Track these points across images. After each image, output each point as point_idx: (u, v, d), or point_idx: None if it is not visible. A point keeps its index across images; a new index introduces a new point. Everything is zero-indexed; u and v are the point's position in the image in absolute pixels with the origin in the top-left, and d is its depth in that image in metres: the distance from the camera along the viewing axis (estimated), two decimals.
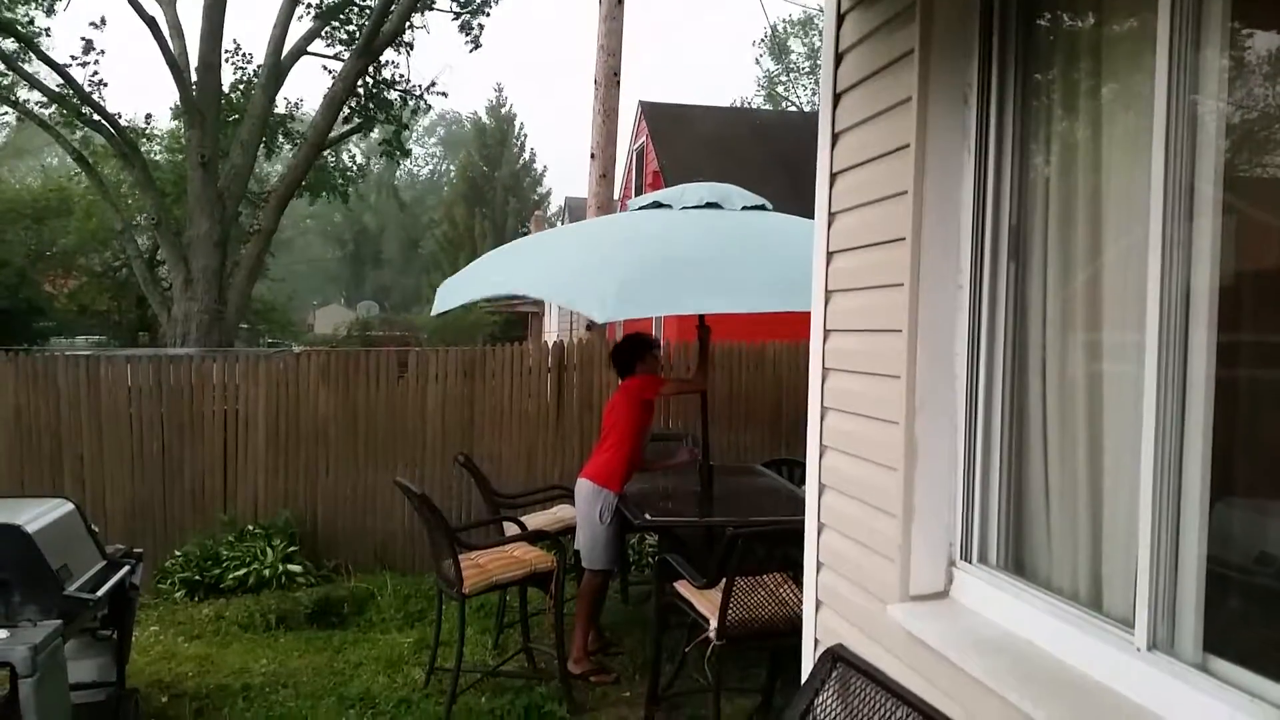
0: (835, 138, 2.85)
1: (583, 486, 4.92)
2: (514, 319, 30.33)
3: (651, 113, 20.78)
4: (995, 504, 2.28)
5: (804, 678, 2.81)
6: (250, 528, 6.57)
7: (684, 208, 5.11)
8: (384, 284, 57.53)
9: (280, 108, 17.29)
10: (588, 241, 5.35)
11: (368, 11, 15.69)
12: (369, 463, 6.90)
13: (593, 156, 8.74)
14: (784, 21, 41.86)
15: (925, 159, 2.33)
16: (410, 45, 16.63)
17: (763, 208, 5.25)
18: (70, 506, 3.94)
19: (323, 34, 15.96)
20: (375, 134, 17.60)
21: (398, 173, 52.67)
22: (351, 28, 16.18)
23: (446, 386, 7.00)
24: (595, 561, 4.86)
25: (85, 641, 4.07)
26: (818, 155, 2.93)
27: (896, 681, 2.28)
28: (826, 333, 2.90)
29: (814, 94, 38.97)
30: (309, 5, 15.26)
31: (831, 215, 2.86)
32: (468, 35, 17.09)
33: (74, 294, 24.18)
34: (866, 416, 2.62)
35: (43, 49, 14.30)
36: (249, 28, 16.48)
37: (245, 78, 16.23)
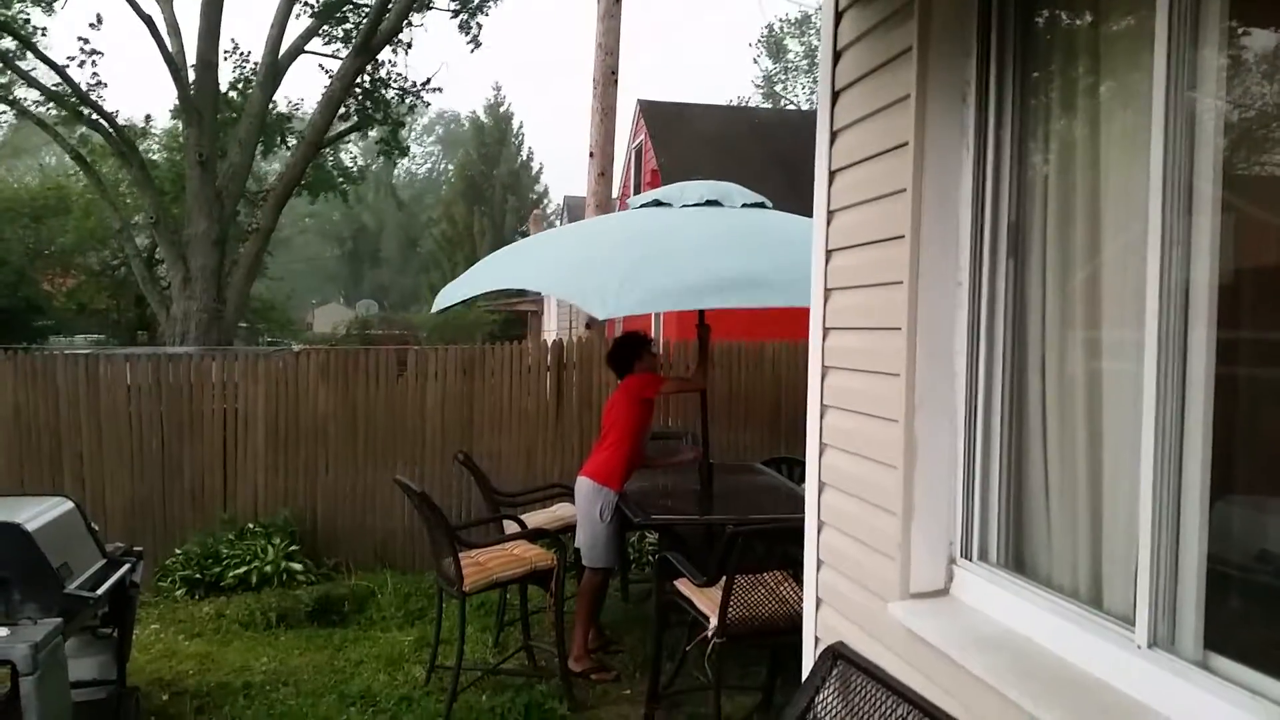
0: (834, 135, 2.85)
1: (583, 485, 4.93)
2: (513, 318, 30.33)
3: (650, 111, 20.75)
4: (995, 501, 2.28)
5: (804, 675, 2.81)
6: (250, 526, 6.57)
7: (684, 206, 5.12)
8: (382, 283, 57.51)
9: (282, 106, 17.32)
10: (589, 239, 5.36)
11: (365, 10, 15.67)
12: (369, 461, 6.91)
13: (591, 155, 8.75)
14: (781, 20, 41.88)
15: (924, 156, 2.33)
16: (409, 45, 16.62)
17: (762, 205, 5.25)
18: (70, 505, 3.94)
19: (320, 32, 15.94)
20: (374, 133, 17.58)
21: (396, 172, 52.66)
22: (349, 26, 16.16)
23: (446, 385, 7.01)
24: (596, 560, 4.87)
25: (86, 639, 4.07)
26: (816, 153, 2.93)
27: (897, 679, 2.28)
28: (826, 331, 2.90)
29: (812, 92, 38.96)
30: (306, 3, 15.25)
31: (830, 213, 2.87)
32: (467, 34, 17.08)
33: (72, 293, 24.17)
34: (866, 414, 2.62)
35: (40, 48, 14.29)
36: (247, 26, 16.50)
37: (243, 76, 16.21)
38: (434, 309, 5.34)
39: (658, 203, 5.23)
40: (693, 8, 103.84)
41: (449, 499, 6.72)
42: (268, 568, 6.22)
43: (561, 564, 4.65)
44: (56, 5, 14.69)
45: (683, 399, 6.85)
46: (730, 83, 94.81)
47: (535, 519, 5.51)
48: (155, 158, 19.02)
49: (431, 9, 16.57)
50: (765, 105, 39.41)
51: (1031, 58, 2.24)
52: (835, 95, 2.84)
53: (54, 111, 15.02)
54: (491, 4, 17.14)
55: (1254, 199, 1.80)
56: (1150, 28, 1.72)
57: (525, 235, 34.71)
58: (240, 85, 16.16)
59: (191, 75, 13.82)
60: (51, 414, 6.57)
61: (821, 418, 2.93)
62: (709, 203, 5.11)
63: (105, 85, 14.59)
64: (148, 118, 17.70)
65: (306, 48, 15.53)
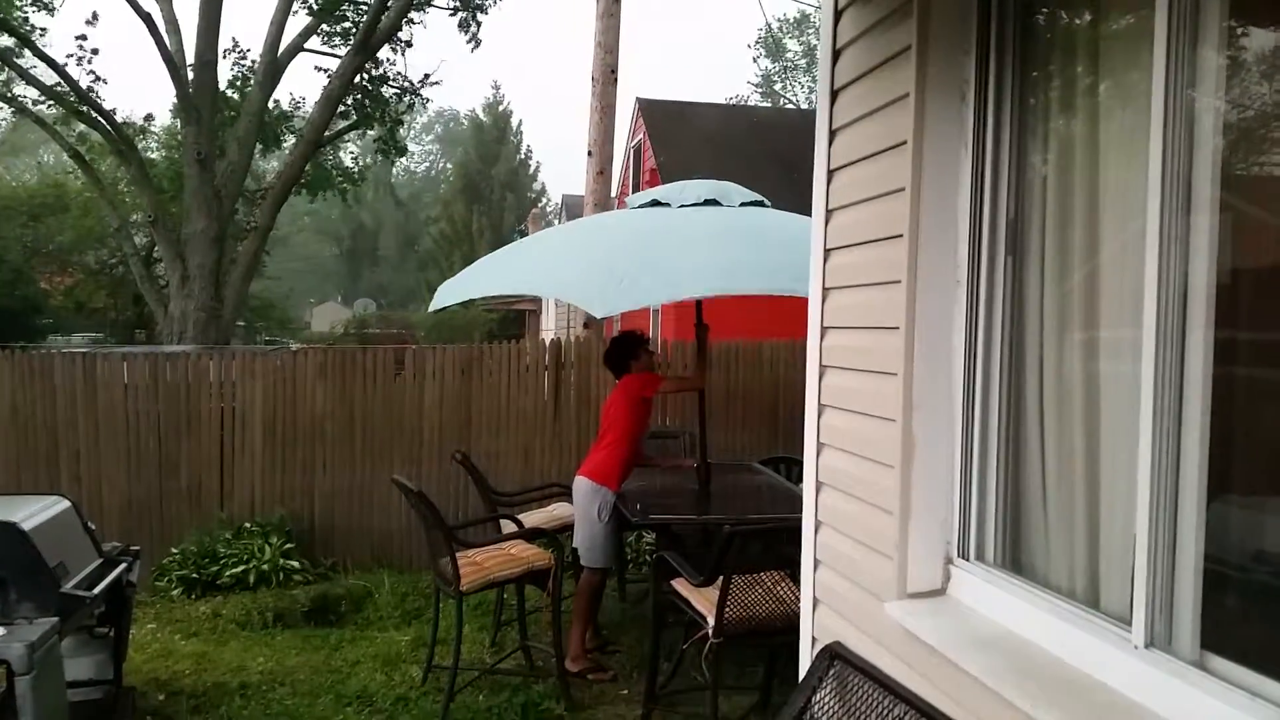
0: (833, 134, 2.84)
1: (580, 485, 4.92)
2: (511, 317, 30.34)
3: (649, 110, 20.76)
4: (993, 501, 2.28)
5: (801, 675, 2.81)
6: (247, 525, 6.56)
7: (682, 205, 5.12)
8: (381, 282, 57.50)
9: (285, 105, 17.31)
10: (587, 240, 5.35)
11: (363, 8, 15.66)
12: (366, 460, 6.90)
13: (590, 154, 8.74)
14: (779, 20, 41.85)
15: (923, 155, 2.33)
16: (408, 43, 16.61)
17: (761, 204, 5.25)
18: (67, 504, 3.94)
19: (319, 31, 15.93)
20: (372, 132, 17.58)
21: (394, 170, 52.65)
22: (348, 24, 16.15)
23: (444, 384, 7.00)
24: (593, 559, 4.86)
25: (82, 639, 4.07)
26: (815, 152, 2.93)
27: (894, 679, 2.28)
28: (824, 330, 2.90)
29: (811, 91, 38.98)
30: (305, 1, 15.23)
31: (829, 212, 2.86)
32: (466, 33, 17.07)
33: (70, 291, 24.17)
34: (864, 414, 2.62)
35: (39, 45, 14.27)
36: (246, 24, 16.48)
37: (242, 74, 16.20)
38: (431, 308, 5.34)
39: (656, 202, 5.23)
40: (693, 6, 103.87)
41: (446, 498, 6.71)
42: (265, 567, 6.21)
43: (559, 564, 4.65)
44: (56, 2, 14.67)
45: (680, 398, 6.85)
46: (729, 81, 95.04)
47: (533, 518, 5.51)
48: (154, 156, 19.00)
49: (432, 7, 16.56)
50: (764, 104, 39.43)
51: (1031, 56, 2.24)
52: (834, 94, 2.83)
53: (53, 110, 15.01)
54: (491, 2, 17.14)
55: (1253, 199, 1.79)
56: (1149, 27, 1.72)
57: (524, 234, 34.71)
58: (239, 83, 16.15)
59: (190, 73, 13.81)
60: (49, 413, 6.56)
61: (819, 417, 2.92)
62: (707, 202, 5.11)
63: (104, 81, 14.58)
64: (148, 116, 17.63)
65: (306, 46, 15.52)
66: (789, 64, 42.45)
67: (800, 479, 3.36)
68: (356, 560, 6.78)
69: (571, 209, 27.75)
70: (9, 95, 15.27)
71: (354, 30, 15.65)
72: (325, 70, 15.44)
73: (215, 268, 13.63)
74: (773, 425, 7.34)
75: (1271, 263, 1.79)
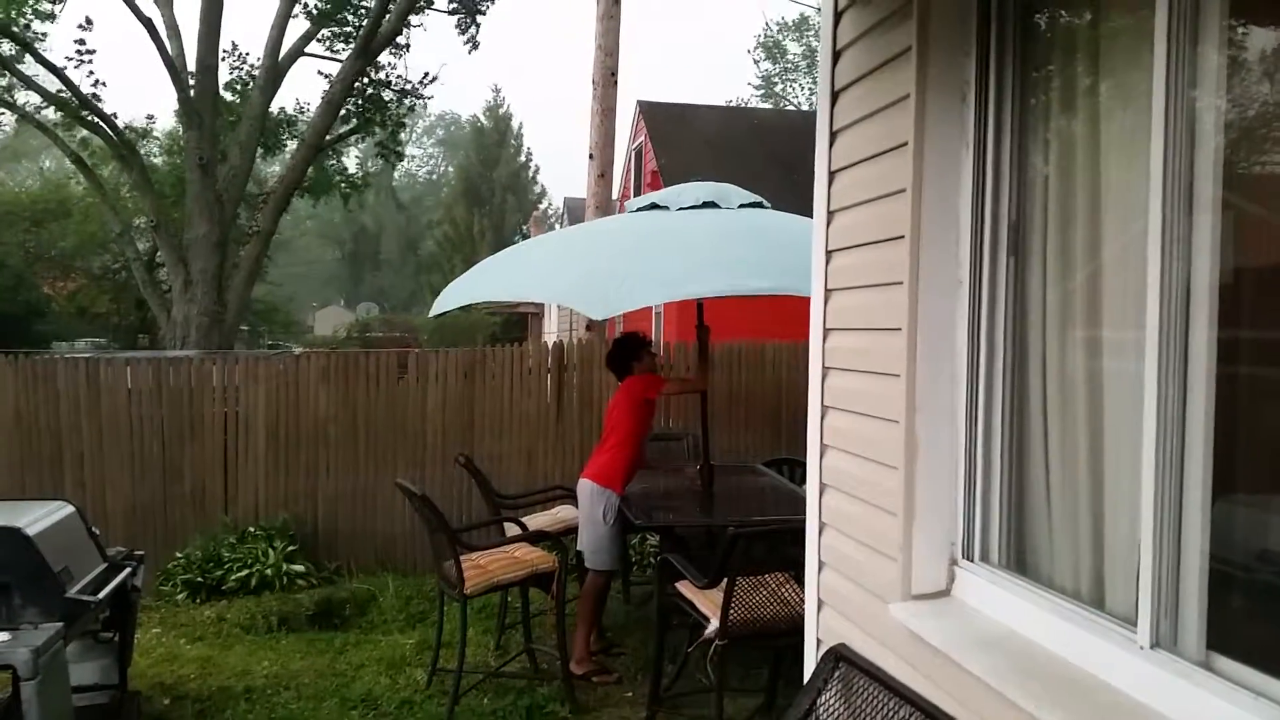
0: (833, 136, 2.84)
1: (584, 487, 4.92)
2: (514, 319, 30.35)
3: (649, 112, 20.77)
4: (996, 502, 2.28)
5: (806, 677, 2.80)
6: (251, 529, 6.57)
7: (681, 208, 5.12)
8: (383, 285, 57.54)
9: (290, 108, 17.34)
10: (587, 246, 5.35)
11: (363, 12, 15.68)
12: (369, 464, 6.90)
13: (591, 156, 8.74)
14: (778, 23, 41.88)
15: (924, 156, 2.33)
16: (407, 46, 16.64)
17: (759, 205, 5.25)
18: (71, 509, 3.94)
19: (319, 36, 15.95)
20: (374, 135, 17.60)
21: (396, 174, 52.70)
22: (349, 28, 16.18)
23: (446, 387, 7.00)
24: (598, 562, 4.86)
25: (87, 644, 4.07)
26: (816, 153, 2.93)
27: (899, 681, 2.27)
28: (826, 331, 2.90)
29: (812, 92, 38.96)
30: (304, 5, 15.26)
31: (830, 213, 2.86)
32: (464, 34, 17.09)
33: (73, 296, 24.20)
34: (867, 415, 2.62)
35: (40, 51, 14.29)
36: (247, 30, 16.50)
37: (242, 79, 16.22)
38: (432, 313, 5.34)
39: (654, 206, 5.24)
40: (691, 7, 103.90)
41: (450, 502, 6.71)
42: (269, 571, 6.22)
43: (563, 566, 4.64)
44: (56, 9, 14.70)
45: (683, 400, 6.85)
46: (729, 83, 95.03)
47: (536, 521, 5.51)
48: (156, 161, 19.05)
49: (432, 9, 16.58)
50: (765, 106, 39.43)
51: (1031, 57, 2.24)
52: (835, 95, 2.83)
53: (55, 115, 15.04)
54: (489, 2, 17.15)
55: (1255, 198, 1.79)
56: (1150, 27, 1.72)
57: (526, 236, 34.76)
58: (240, 88, 16.18)
59: (191, 79, 13.83)
60: (52, 417, 6.57)
61: (822, 419, 2.92)
62: (706, 204, 5.12)
63: (105, 85, 14.60)
64: (149, 117, 17.72)
65: (306, 50, 15.55)
66: (789, 65, 42.47)
67: (804, 481, 3.36)
68: (360, 564, 6.78)
69: (573, 212, 27.76)
70: (11, 101, 15.29)
71: (355, 34, 15.67)
72: (327, 75, 15.47)
73: (218, 272, 13.64)
74: (776, 427, 7.34)
75: (1274, 262, 1.78)
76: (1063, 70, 2.18)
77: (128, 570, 4.04)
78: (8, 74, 14.37)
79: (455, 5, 16.81)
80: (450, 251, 45.02)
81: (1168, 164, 1.68)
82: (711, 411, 5.61)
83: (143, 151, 16.35)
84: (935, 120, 2.33)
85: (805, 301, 3.11)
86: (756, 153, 18.22)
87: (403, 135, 18.44)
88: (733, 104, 37.02)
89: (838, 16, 2.79)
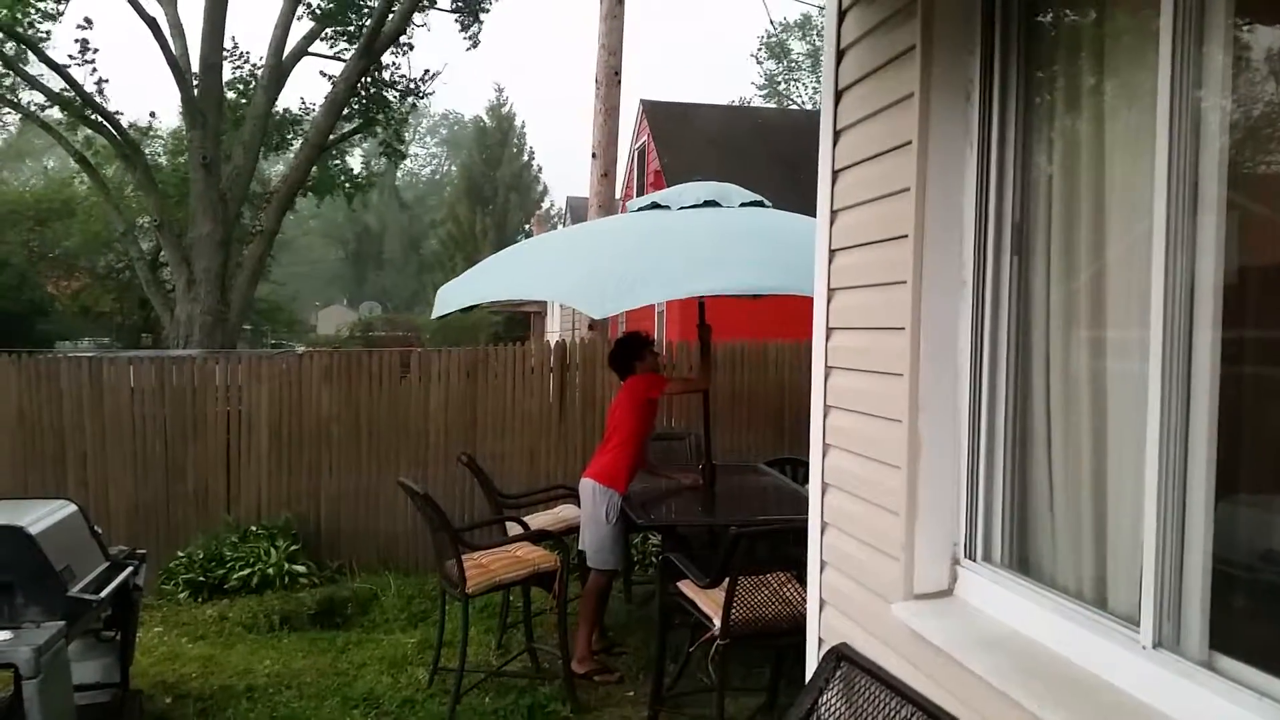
0: (837, 135, 2.84)
1: (587, 486, 4.92)
2: (516, 318, 30.36)
3: (653, 111, 20.76)
4: (999, 502, 2.27)
5: (808, 677, 2.80)
6: (254, 528, 6.57)
7: (682, 207, 5.12)
8: (386, 284, 57.58)
9: (295, 107, 17.37)
10: (588, 245, 5.35)
11: (367, 11, 15.69)
12: (372, 463, 6.91)
13: (594, 156, 8.73)
14: (782, 23, 41.86)
15: (928, 155, 2.32)
16: (410, 45, 16.66)
17: (760, 204, 5.25)
18: (73, 508, 3.95)
19: (323, 35, 15.97)
20: (377, 134, 17.62)
21: (399, 173, 52.76)
22: (352, 28, 16.19)
23: (449, 386, 7.01)
24: (601, 561, 4.86)
25: (89, 643, 4.07)
26: (820, 152, 2.92)
27: (901, 680, 2.27)
28: (829, 331, 2.89)
29: (815, 92, 38.95)
30: (308, 5, 15.27)
31: (834, 213, 2.86)
32: (466, 32, 17.11)
33: (77, 296, 24.23)
34: (870, 415, 2.61)
35: (44, 50, 14.32)
36: (250, 29, 16.52)
37: (245, 78, 16.24)
38: (433, 315, 5.34)
39: (656, 205, 5.24)
40: (693, 7, 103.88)
41: (452, 501, 6.70)
42: (271, 570, 6.22)
43: (564, 566, 4.64)
44: (61, 7, 14.72)
45: (685, 400, 6.84)
46: (730, 83, 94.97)
47: (538, 520, 5.51)
48: (161, 160, 19.07)
49: (434, 8, 16.59)
50: (767, 105, 39.41)
51: (1035, 56, 2.23)
52: (839, 94, 2.83)
53: (59, 114, 15.06)
54: (491, 1, 17.18)
55: (1260, 197, 1.79)
56: (1155, 26, 1.72)
57: (530, 236, 34.78)
58: (242, 87, 16.19)
59: (195, 78, 13.84)
60: (55, 417, 6.58)
61: (825, 418, 2.92)
62: (707, 203, 5.12)
63: (108, 81, 14.62)
64: (152, 114, 17.75)
65: (310, 49, 15.56)
66: (793, 64, 42.45)
67: (806, 480, 3.35)
68: (363, 563, 6.78)
69: (576, 211, 27.77)
70: (15, 100, 15.31)
71: (358, 34, 15.69)
72: (330, 77, 15.49)
73: (221, 271, 13.66)
74: (778, 426, 7.34)
75: (1279, 262, 1.78)
76: (1067, 69, 2.18)
77: (130, 569, 4.04)
78: (12, 73, 14.38)
79: (458, 4, 16.81)
80: (453, 250, 45.07)
81: (1172, 164, 1.68)
82: (714, 411, 5.61)
83: (147, 151, 16.37)
84: (939, 119, 2.32)
85: (808, 301, 3.11)
86: (760, 152, 18.22)
87: (406, 134, 18.45)
88: (735, 103, 37.01)
89: (841, 15, 2.79)
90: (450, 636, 4.88)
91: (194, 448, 6.70)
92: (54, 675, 3.16)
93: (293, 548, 6.44)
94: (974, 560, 2.31)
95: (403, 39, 16.00)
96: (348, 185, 18.97)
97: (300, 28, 15.33)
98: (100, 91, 14.36)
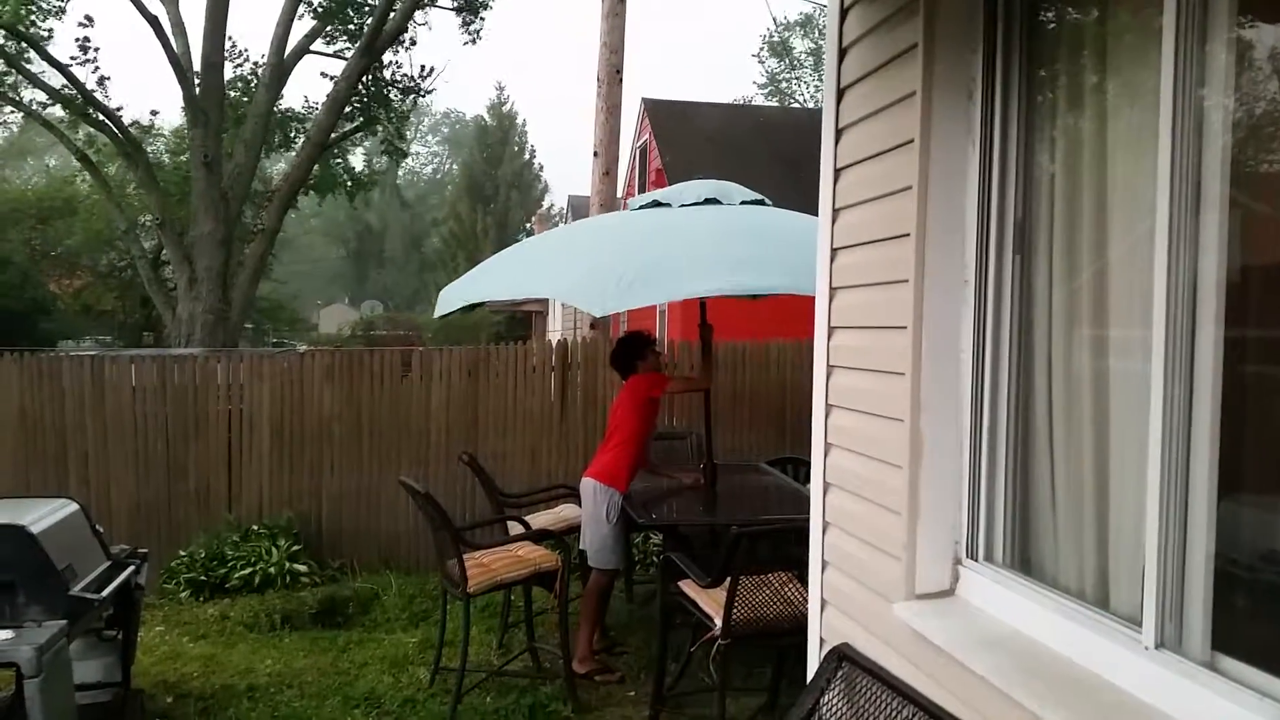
0: (839, 133, 2.83)
1: (588, 486, 4.92)
2: (518, 317, 30.37)
3: (654, 110, 20.75)
4: (1001, 501, 2.27)
5: (809, 677, 2.80)
6: (255, 527, 6.58)
7: (683, 205, 5.12)
8: (387, 283, 57.61)
9: (297, 106, 17.38)
10: (589, 242, 5.35)
11: (368, 9, 15.69)
12: (373, 462, 6.91)
13: (596, 154, 8.72)
14: (783, 21, 41.82)
15: (930, 154, 2.31)
16: (413, 42, 16.65)
17: (761, 203, 5.25)
18: (75, 507, 3.95)
19: (324, 33, 15.97)
20: (378, 133, 17.62)
21: (400, 172, 52.79)
22: (353, 26, 16.19)
23: (451, 386, 7.01)
24: (602, 561, 4.86)
25: (90, 642, 4.08)
26: (822, 151, 2.92)
27: (902, 680, 2.27)
28: (831, 330, 2.89)
29: (817, 90, 38.92)
30: (309, 4, 15.28)
31: (836, 211, 2.85)
32: (467, 29, 17.10)
33: (78, 294, 24.24)
34: (871, 414, 2.61)
35: (46, 48, 14.32)
36: (252, 27, 16.54)
37: (246, 76, 16.25)
38: (435, 314, 5.33)
39: (656, 203, 5.23)
40: (694, 5, 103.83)
41: (453, 500, 6.71)
42: (272, 569, 6.23)
43: (566, 565, 4.64)
44: (64, 4, 14.73)
45: (686, 399, 6.84)
46: (731, 82, 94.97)
47: (540, 520, 5.50)
48: (163, 159, 19.07)
49: (435, 6, 16.59)
50: (769, 104, 39.39)
51: (1038, 54, 2.22)
52: (840, 92, 2.82)
53: (61, 112, 15.07)
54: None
55: (1263, 196, 1.78)
56: (1157, 24, 1.71)
57: (531, 234, 34.78)
58: (243, 85, 16.20)
59: (197, 76, 13.84)
60: (57, 415, 6.59)
61: (827, 417, 2.91)
62: (708, 201, 5.12)
63: (109, 79, 14.65)
64: (153, 112, 17.77)
65: (311, 48, 15.56)
66: (795, 63, 42.42)
67: (807, 480, 3.35)
68: (364, 562, 6.78)
69: (578, 210, 27.73)
70: (17, 98, 15.32)
71: (359, 32, 15.69)
72: (331, 76, 15.49)
73: (222, 270, 13.67)
74: (780, 426, 7.33)
75: None
76: (1070, 68, 2.17)
77: (131, 568, 4.04)
78: (14, 71, 14.39)
79: (459, 2, 16.81)
80: (454, 249, 45.09)
81: (1175, 162, 1.67)
82: (715, 410, 5.60)
83: (148, 149, 16.37)
84: (941, 117, 2.31)
85: (809, 300, 3.10)
86: (761, 150, 18.21)
87: (407, 132, 18.46)
88: (737, 102, 36.98)
89: (843, 13, 2.78)
90: (451, 636, 4.88)
91: (195, 446, 6.70)
92: (55, 674, 3.16)
93: (294, 547, 6.44)
94: (976, 560, 2.31)
95: (404, 35, 16.00)
96: (349, 184, 18.96)
97: (302, 26, 15.36)
98: (102, 90, 14.37)
